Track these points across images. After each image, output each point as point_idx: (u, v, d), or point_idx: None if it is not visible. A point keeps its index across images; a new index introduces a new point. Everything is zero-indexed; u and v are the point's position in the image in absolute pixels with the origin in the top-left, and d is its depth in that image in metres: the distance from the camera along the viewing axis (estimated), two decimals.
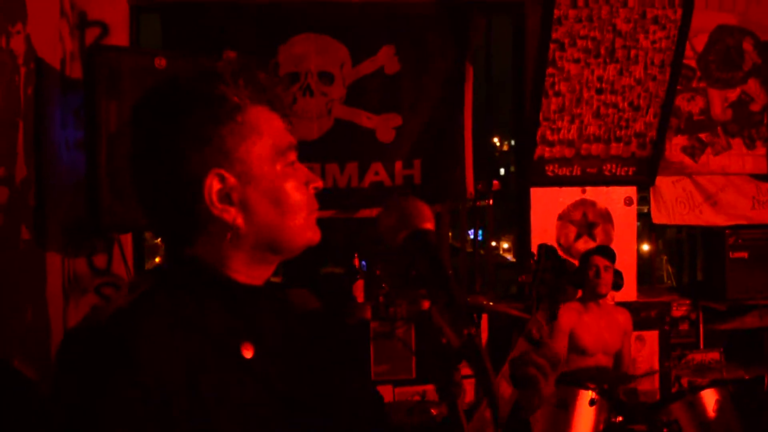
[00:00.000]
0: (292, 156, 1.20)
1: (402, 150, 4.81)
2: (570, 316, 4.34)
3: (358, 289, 4.68)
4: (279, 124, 1.20)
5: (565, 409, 3.51)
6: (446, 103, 4.87)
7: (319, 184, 1.23)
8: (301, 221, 1.19)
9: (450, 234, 5.58)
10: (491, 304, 4.55)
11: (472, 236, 5.62)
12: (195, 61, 3.81)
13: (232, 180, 1.13)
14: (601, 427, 3.55)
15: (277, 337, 1.20)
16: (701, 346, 5.09)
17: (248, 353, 1.11)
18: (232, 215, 1.14)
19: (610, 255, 4.41)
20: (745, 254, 4.96)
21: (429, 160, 4.84)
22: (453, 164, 4.86)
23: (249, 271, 1.19)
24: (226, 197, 1.13)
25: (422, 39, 4.84)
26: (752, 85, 5.25)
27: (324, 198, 1.24)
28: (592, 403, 3.52)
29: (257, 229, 1.16)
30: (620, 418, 3.59)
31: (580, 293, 4.47)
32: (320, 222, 1.27)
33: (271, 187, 1.16)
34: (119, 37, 4.46)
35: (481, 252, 5.51)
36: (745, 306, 4.96)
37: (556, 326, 4.31)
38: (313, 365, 1.25)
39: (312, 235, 1.22)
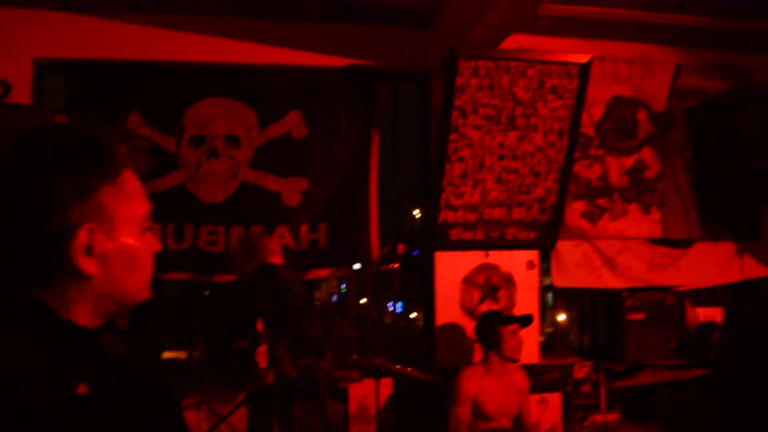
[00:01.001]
0: (148, 222, 1.33)
1: (308, 214, 4.89)
2: (473, 382, 4.42)
3: (261, 355, 4.66)
4: (143, 190, 1.33)
5: None
6: (352, 168, 5.00)
7: (157, 248, 1.35)
8: (144, 282, 1.32)
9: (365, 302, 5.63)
10: (397, 367, 4.63)
11: (391, 307, 5.72)
12: (96, 121, 3.84)
13: (99, 235, 1.22)
14: None
15: (114, 377, 1.27)
16: (602, 407, 5.24)
17: (83, 390, 1.17)
18: (91, 267, 1.23)
19: (526, 323, 4.56)
20: (642, 316, 5.17)
21: (334, 224, 4.93)
22: (358, 228, 4.97)
23: (90, 318, 1.27)
24: (88, 250, 1.22)
25: (329, 105, 4.98)
26: (646, 154, 5.55)
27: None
28: None
29: (107, 282, 1.25)
30: None
31: (480, 356, 4.57)
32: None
33: (128, 247, 1.27)
34: (22, 95, 4.45)
35: (401, 323, 5.59)
36: (643, 366, 5.15)
37: (459, 393, 4.39)
38: (143, 405, 1.33)
39: (147, 294, 1.34)
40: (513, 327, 4.48)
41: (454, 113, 4.79)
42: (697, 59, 5.66)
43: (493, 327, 4.50)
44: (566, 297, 6.03)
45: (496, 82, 4.79)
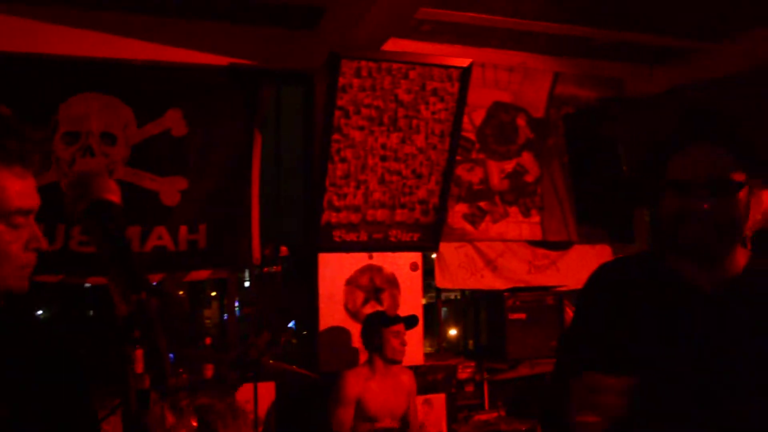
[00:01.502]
0: (20, 219, 1.41)
1: (187, 214, 4.80)
2: (357, 383, 4.42)
3: (138, 359, 4.53)
4: (15, 187, 1.41)
5: None
6: (234, 168, 4.95)
7: (41, 245, 1.47)
8: (10, 273, 1.40)
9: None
10: (282, 365, 4.58)
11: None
12: None
13: None
14: None
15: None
16: (486, 407, 5.34)
17: None
18: None
19: (413, 324, 4.60)
20: (523, 315, 5.31)
21: (215, 225, 4.86)
22: (239, 230, 4.91)
23: None
24: None
25: (211, 104, 4.92)
26: (526, 158, 5.73)
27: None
28: None
29: None
30: None
31: (365, 358, 4.59)
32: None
33: None
34: None
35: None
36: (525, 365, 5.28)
37: (343, 395, 4.38)
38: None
39: (20, 285, 1.44)
40: (397, 328, 4.52)
41: (337, 113, 4.82)
42: (573, 68, 5.91)
43: (376, 328, 4.53)
44: (456, 312, 6.14)
45: (378, 83, 4.86)
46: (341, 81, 4.75)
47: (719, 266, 1.74)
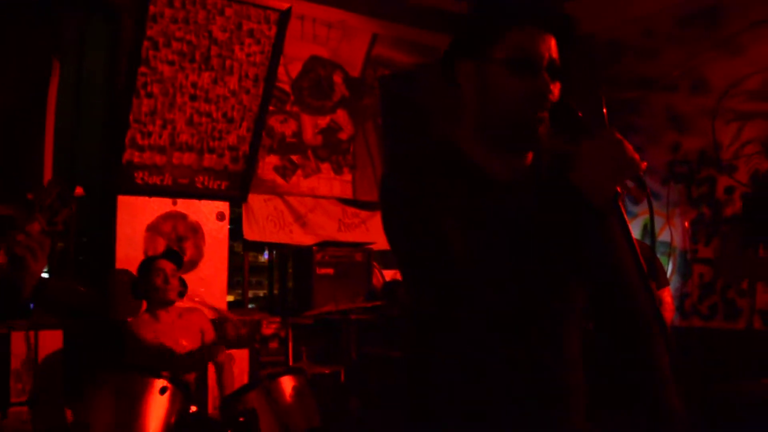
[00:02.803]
0: None
1: None
2: (144, 328, 4.18)
3: None
4: None
5: (132, 398, 3.35)
6: (27, 96, 4.59)
7: None
8: None
9: None
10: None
11: None
12: None
13: None
14: (174, 419, 3.45)
15: None
16: (290, 363, 5.27)
17: None
18: None
19: (177, 260, 4.39)
20: (330, 270, 5.30)
21: (3, 155, 4.47)
22: (30, 159, 4.55)
23: None
24: None
25: (8, 27, 4.53)
26: (341, 115, 5.76)
27: None
28: (162, 391, 3.42)
29: None
30: (195, 408, 3.53)
31: (145, 305, 4.37)
32: None
33: None
34: None
35: None
36: (331, 320, 5.25)
37: (130, 339, 4.14)
38: None
39: None
40: (160, 265, 4.28)
41: (146, 44, 4.60)
42: (392, 31, 6.00)
43: (140, 272, 4.33)
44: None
45: (192, 16, 4.69)
46: (152, 9, 4.55)
47: (524, 154, 1.72)
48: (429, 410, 1.72)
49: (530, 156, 1.73)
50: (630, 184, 1.50)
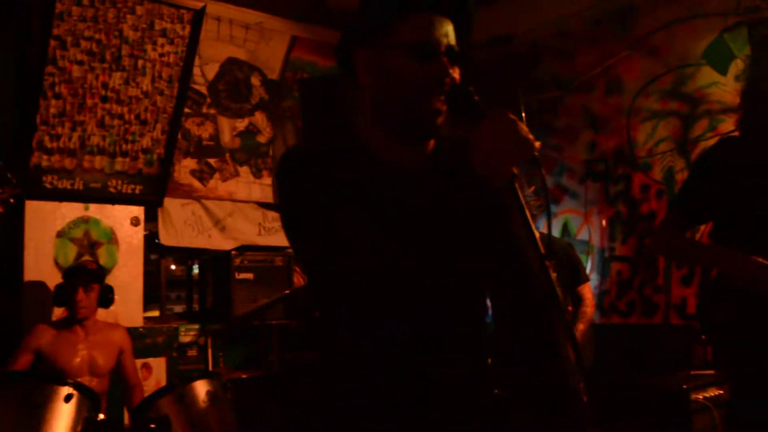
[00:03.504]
0: None
1: None
2: (42, 335, 4.00)
3: None
4: None
5: (35, 407, 3.22)
6: None
7: None
8: None
9: None
10: None
11: None
12: None
13: None
14: (80, 427, 3.32)
15: None
16: (210, 370, 5.16)
17: None
18: None
19: (95, 276, 4.24)
20: (250, 275, 5.22)
21: None
22: None
23: None
24: None
25: None
26: (260, 118, 5.69)
27: None
28: (67, 399, 3.29)
29: None
30: (102, 416, 3.41)
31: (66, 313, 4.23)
32: None
33: None
34: None
35: None
36: (252, 326, 5.17)
37: (21, 344, 3.99)
38: None
39: None
40: (79, 284, 4.15)
41: (53, 43, 4.47)
42: (311, 34, 5.97)
43: (65, 281, 4.19)
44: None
45: (101, 14, 4.58)
46: (59, 7, 4.42)
47: (425, 142, 1.69)
48: (332, 406, 1.69)
49: (431, 144, 1.72)
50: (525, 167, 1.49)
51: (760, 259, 2.29)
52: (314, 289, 1.79)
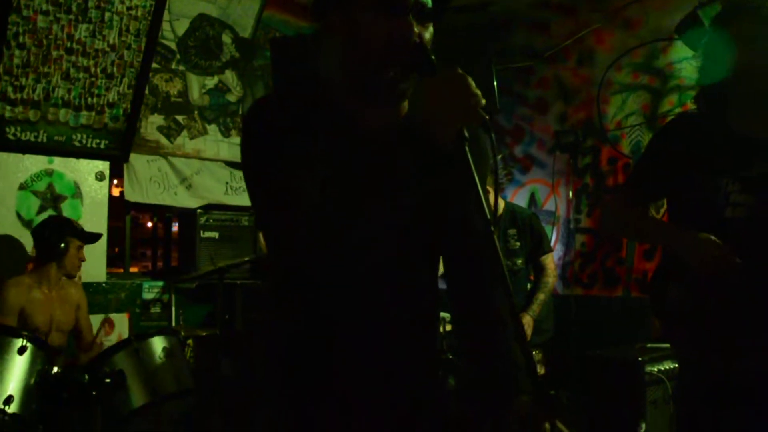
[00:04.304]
0: None
1: None
2: (20, 293, 4.03)
3: None
4: None
5: None
6: None
7: None
8: None
9: None
10: None
11: None
12: None
13: None
14: (33, 380, 3.33)
15: None
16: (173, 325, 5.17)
17: None
18: None
19: (86, 237, 4.29)
20: (215, 234, 5.21)
21: None
22: None
23: None
24: None
25: None
26: (230, 77, 5.63)
27: None
28: (21, 351, 3.29)
29: None
30: (56, 369, 3.41)
31: (31, 267, 4.23)
32: None
33: None
34: None
35: None
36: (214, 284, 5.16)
37: (2, 304, 3.98)
38: None
39: None
40: (77, 244, 4.20)
41: None
42: None
43: (62, 236, 4.17)
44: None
45: None
46: None
47: (397, 103, 1.66)
48: (280, 369, 1.70)
49: (404, 108, 1.71)
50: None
51: (707, 236, 2.29)
52: (266, 242, 1.79)
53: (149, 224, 6.30)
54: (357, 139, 1.64)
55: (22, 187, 4.72)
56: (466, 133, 1.49)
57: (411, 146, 1.47)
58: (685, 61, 5.12)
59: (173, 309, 5.24)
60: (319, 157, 1.57)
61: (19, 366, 3.29)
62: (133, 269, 5.66)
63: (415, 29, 1.57)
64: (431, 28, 1.61)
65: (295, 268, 1.63)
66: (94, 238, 4.35)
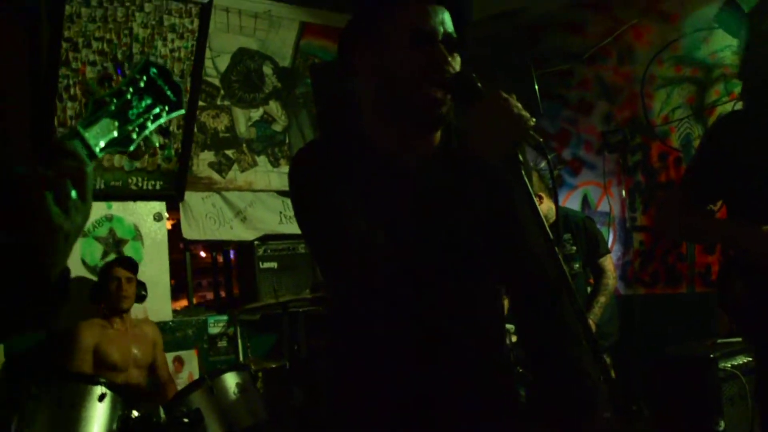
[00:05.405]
0: None
1: None
2: (93, 332, 4.15)
3: None
4: None
5: (71, 408, 3.28)
6: None
7: None
8: None
9: None
10: None
11: None
12: None
13: None
14: (115, 425, 3.38)
15: None
16: (240, 360, 5.20)
17: None
18: None
19: (132, 266, 4.36)
20: (274, 264, 5.25)
21: None
22: None
23: None
24: None
25: None
26: (274, 107, 5.68)
27: None
28: (101, 398, 3.35)
29: None
30: (136, 413, 3.46)
31: (100, 310, 4.33)
32: None
33: None
34: None
35: None
36: (277, 315, 5.19)
37: (76, 345, 4.07)
38: None
39: None
40: (116, 273, 4.27)
41: (64, 45, 4.48)
42: (320, 19, 5.94)
43: (101, 277, 4.31)
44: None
45: (110, 14, 4.59)
46: (68, 9, 4.42)
47: (431, 134, 1.67)
48: (343, 399, 1.71)
49: (438, 137, 1.70)
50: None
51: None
52: (326, 282, 1.82)
53: (202, 254, 6.36)
54: (395, 172, 1.65)
55: (85, 234, 4.80)
56: (521, 157, 1.49)
57: (464, 172, 1.48)
58: (727, 49, 5.03)
59: (239, 341, 5.28)
60: (360, 198, 1.57)
61: (100, 413, 3.34)
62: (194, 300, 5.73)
63: (449, 58, 1.58)
64: (458, 58, 1.62)
65: (355, 307, 1.66)
66: (119, 262, 4.40)
